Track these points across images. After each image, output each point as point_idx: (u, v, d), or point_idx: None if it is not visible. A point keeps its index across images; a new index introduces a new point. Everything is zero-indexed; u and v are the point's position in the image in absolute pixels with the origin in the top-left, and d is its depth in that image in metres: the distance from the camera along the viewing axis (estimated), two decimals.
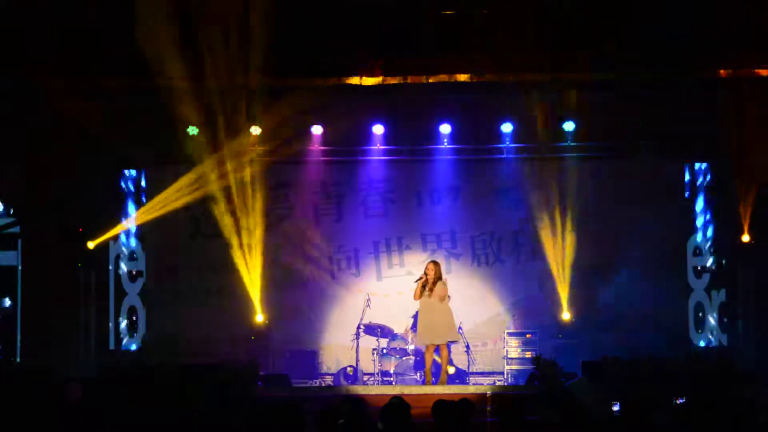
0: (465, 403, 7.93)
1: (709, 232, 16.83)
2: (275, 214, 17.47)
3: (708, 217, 16.86)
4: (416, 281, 13.87)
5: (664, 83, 15.52)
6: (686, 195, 17.15)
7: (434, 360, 14.62)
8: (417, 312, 14.46)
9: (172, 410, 10.51)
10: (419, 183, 17.47)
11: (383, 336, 15.64)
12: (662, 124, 16.11)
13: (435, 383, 14.04)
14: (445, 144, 16.90)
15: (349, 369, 15.57)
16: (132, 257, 17.13)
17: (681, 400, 10.89)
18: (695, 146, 16.49)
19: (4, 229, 15.79)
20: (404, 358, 15.30)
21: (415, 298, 14.06)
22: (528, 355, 15.94)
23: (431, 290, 13.76)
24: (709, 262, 16.80)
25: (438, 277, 13.89)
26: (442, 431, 7.52)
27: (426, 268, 14.18)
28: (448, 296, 13.91)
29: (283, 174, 17.50)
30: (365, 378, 15.78)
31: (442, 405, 7.62)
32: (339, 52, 15.16)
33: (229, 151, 16.43)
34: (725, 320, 16.48)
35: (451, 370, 15.20)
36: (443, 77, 15.36)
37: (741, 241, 15.95)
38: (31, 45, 14.55)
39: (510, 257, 17.27)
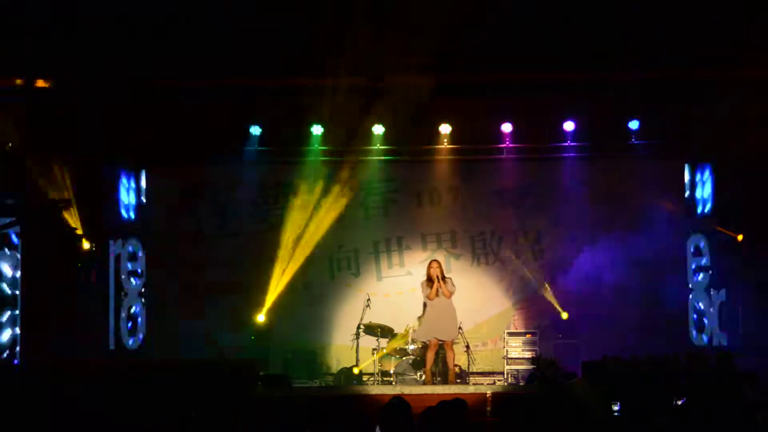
0: (459, 402, 7.93)
1: (709, 232, 16.82)
2: (275, 214, 17.48)
3: (708, 216, 16.84)
4: (428, 283, 14.16)
5: (664, 83, 15.52)
6: (686, 194, 17.15)
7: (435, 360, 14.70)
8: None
9: (172, 410, 10.52)
10: (419, 183, 17.47)
11: (383, 336, 15.63)
12: (662, 124, 16.11)
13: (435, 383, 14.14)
14: (445, 144, 16.87)
15: (354, 369, 15.55)
16: (132, 257, 17.11)
17: (681, 401, 10.90)
18: (695, 146, 16.47)
19: (4, 229, 15.77)
20: (404, 358, 15.29)
21: (430, 299, 14.32)
22: (528, 355, 15.94)
23: (440, 287, 14.14)
24: (709, 262, 16.79)
25: (443, 274, 14.32)
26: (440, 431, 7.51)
27: (431, 266, 14.40)
28: (453, 287, 14.39)
29: (283, 174, 17.51)
30: (365, 378, 15.77)
31: (435, 407, 7.61)
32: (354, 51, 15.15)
33: None
34: (725, 320, 16.46)
35: (456, 370, 15.21)
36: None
37: (740, 240, 15.95)
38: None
39: (510, 257, 17.26)
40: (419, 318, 15.16)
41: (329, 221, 17.27)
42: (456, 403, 7.84)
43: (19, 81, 15.02)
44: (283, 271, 17.07)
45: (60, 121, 15.34)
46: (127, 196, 17.00)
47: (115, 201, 16.71)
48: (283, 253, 17.14)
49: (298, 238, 17.20)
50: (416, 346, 15.14)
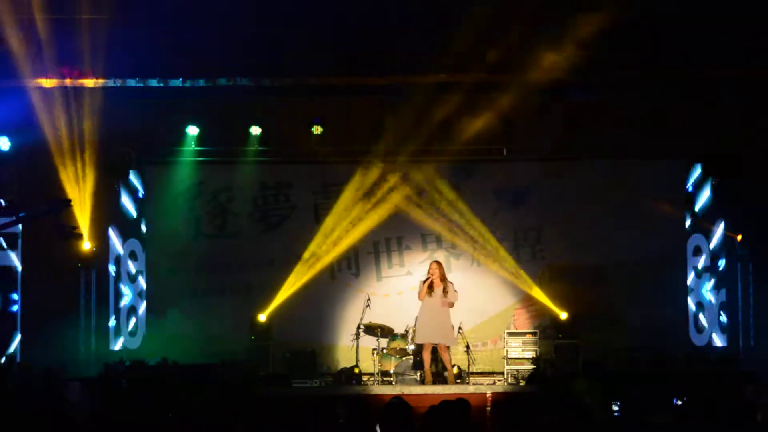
0: (462, 402, 7.93)
1: (709, 232, 16.82)
2: (275, 214, 17.49)
3: (708, 216, 16.84)
4: (423, 281, 14.07)
5: (664, 83, 15.53)
6: (686, 194, 17.14)
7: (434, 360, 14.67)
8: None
9: (172, 410, 10.51)
10: (419, 183, 17.45)
11: (383, 336, 15.61)
12: (662, 124, 16.11)
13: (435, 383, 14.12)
14: (445, 144, 16.86)
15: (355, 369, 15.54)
16: (132, 257, 17.12)
17: (681, 400, 10.89)
18: (695, 146, 16.48)
19: (3, 229, 15.77)
20: (404, 358, 15.28)
21: (419, 298, 14.17)
22: (528, 355, 15.93)
23: (438, 290, 13.96)
24: (709, 262, 16.80)
25: (443, 276, 14.13)
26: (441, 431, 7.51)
27: (430, 267, 14.30)
28: (455, 291, 14.22)
29: (283, 174, 17.53)
30: (365, 378, 15.76)
31: (438, 406, 7.61)
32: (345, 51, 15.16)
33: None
34: (725, 320, 16.47)
35: (455, 370, 15.17)
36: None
37: (740, 240, 15.97)
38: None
39: (510, 257, 17.26)
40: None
41: (336, 225, 17.23)
42: (459, 403, 7.84)
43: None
44: (289, 272, 17.05)
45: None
46: (127, 196, 17.00)
47: (115, 201, 16.71)
48: (286, 254, 17.15)
49: (304, 240, 17.16)
50: (416, 347, 15.13)
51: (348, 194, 17.10)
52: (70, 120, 15.28)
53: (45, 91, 15.17)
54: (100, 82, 15.20)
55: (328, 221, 17.15)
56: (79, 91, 15.24)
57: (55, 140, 15.42)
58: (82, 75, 15.02)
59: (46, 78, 15.00)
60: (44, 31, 14.40)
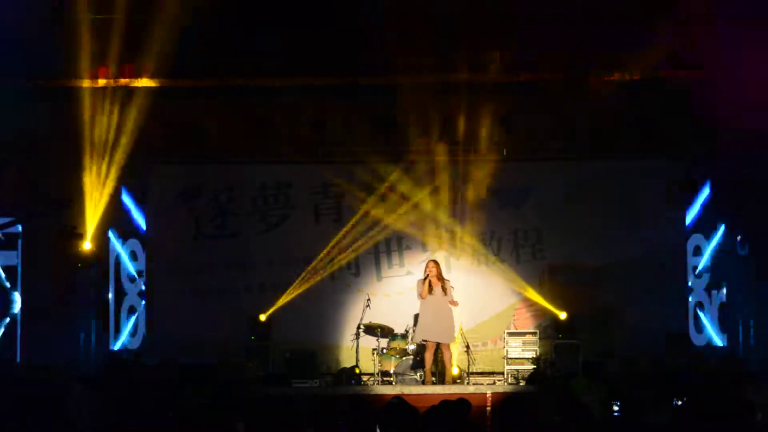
0: (462, 403, 7.94)
1: (709, 232, 16.84)
2: (275, 214, 17.49)
3: (708, 216, 16.84)
4: (422, 280, 14.12)
5: (664, 83, 15.54)
6: (686, 194, 17.15)
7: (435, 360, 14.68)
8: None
9: (172, 410, 10.53)
10: (419, 183, 17.44)
11: (383, 336, 15.62)
12: (662, 125, 16.13)
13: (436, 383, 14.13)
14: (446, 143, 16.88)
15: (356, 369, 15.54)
16: (132, 257, 17.12)
17: (681, 400, 10.90)
18: (695, 146, 16.49)
19: (3, 229, 15.79)
20: (404, 358, 15.29)
21: (422, 297, 14.26)
22: (528, 355, 15.93)
23: (437, 288, 14.04)
24: (709, 262, 16.80)
25: (440, 275, 14.23)
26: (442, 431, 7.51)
27: (427, 266, 14.37)
28: (452, 288, 14.29)
29: (283, 174, 17.52)
30: (365, 378, 15.76)
31: (438, 406, 7.61)
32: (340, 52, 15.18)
33: None
34: (725, 320, 16.47)
35: (456, 371, 15.18)
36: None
37: (740, 240, 15.97)
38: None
39: (510, 257, 17.26)
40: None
41: (328, 221, 17.25)
42: (459, 403, 7.84)
43: None
44: (290, 272, 17.03)
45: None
46: (128, 196, 17.01)
47: (116, 201, 16.71)
48: (286, 254, 17.14)
49: (305, 241, 17.15)
50: (416, 346, 15.14)
51: (354, 198, 17.09)
52: (81, 120, 15.34)
53: (50, 91, 15.22)
54: (111, 82, 15.26)
55: (339, 228, 17.10)
56: (97, 91, 15.32)
57: (63, 140, 15.45)
58: (105, 75, 15.11)
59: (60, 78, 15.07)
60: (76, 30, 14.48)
